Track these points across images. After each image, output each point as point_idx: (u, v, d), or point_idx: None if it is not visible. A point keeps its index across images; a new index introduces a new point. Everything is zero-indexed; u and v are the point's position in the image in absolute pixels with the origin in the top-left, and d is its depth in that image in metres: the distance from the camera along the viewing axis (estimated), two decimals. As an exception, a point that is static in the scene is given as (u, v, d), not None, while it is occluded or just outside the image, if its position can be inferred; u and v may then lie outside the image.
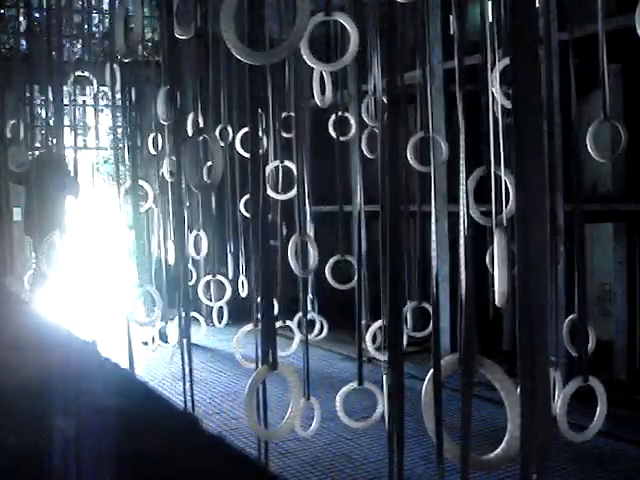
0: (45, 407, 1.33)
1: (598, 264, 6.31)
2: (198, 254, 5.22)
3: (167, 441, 1.25)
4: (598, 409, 2.36)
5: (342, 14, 2.40)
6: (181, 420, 1.51)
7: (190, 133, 3.89)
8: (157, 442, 1.23)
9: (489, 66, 2.98)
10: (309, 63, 2.47)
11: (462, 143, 1.49)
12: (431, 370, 1.43)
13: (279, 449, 4.40)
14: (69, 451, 1.17)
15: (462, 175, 1.46)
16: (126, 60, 3.40)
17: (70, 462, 1.15)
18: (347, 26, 2.37)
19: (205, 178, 4.14)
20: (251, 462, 1.36)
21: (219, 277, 5.10)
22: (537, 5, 3.39)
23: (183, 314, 2.61)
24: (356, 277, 3.38)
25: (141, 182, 4.22)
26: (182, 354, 2.54)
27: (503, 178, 2.90)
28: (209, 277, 5.13)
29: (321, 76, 3.80)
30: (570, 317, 2.62)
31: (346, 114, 4.51)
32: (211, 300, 5.42)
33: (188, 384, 2.51)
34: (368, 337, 3.86)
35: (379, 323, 3.73)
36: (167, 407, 1.59)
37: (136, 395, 1.47)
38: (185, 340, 2.52)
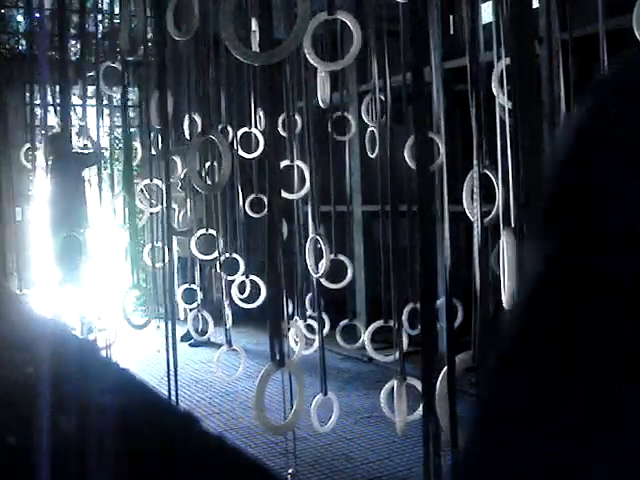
0: (44, 406, 1.33)
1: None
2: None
3: (166, 441, 1.25)
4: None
5: (345, 13, 2.39)
6: (181, 419, 1.51)
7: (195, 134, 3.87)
8: (156, 441, 1.22)
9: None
10: (312, 62, 2.45)
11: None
12: (445, 367, 1.43)
13: (279, 449, 4.40)
14: (68, 450, 1.17)
15: (475, 175, 1.47)
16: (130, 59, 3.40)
17: (69, 461, 1.14)
18: (350, 25, 2.36)
19: (210, 179, 4.13)
20: (252, 463, 1.36)
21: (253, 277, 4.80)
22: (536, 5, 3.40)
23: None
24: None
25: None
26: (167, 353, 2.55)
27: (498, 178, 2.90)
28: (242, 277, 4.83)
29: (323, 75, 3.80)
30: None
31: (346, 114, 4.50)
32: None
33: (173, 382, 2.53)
34: (367, 337, 3.86)
35: (379, 323, 3.73)
36: (167, 406, 1.59)
37: (135, 394, 1.47)
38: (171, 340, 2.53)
